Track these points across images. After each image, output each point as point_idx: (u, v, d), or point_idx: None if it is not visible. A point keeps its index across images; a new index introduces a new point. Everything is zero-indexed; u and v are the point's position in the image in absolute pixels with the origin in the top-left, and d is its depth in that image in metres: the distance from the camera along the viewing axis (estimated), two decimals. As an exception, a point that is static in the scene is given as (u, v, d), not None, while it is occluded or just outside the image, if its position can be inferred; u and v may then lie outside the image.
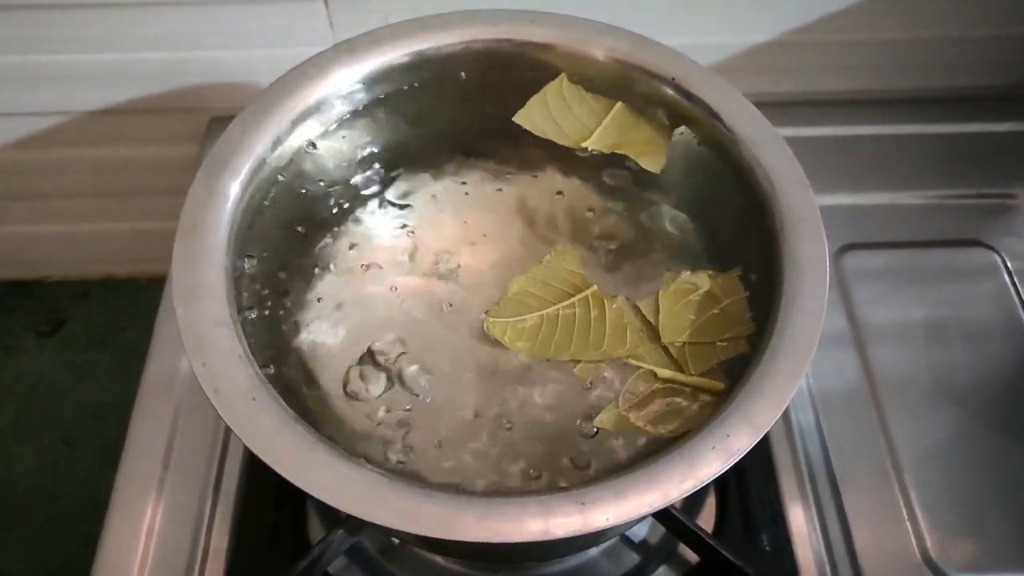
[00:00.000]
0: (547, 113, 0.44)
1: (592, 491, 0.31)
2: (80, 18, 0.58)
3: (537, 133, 0.44)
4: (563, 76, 0.45)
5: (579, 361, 0.37)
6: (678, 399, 0.36)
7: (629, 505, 0.30)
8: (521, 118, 0.44)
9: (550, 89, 0.45)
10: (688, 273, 0.40)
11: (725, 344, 0.38)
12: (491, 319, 0.38)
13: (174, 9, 0.58)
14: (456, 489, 0.33)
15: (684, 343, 0.38)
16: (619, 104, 0.45)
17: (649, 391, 0.37)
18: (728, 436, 0.32)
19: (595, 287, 0.39)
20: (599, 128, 0.44)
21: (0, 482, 0.76)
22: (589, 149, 0.44)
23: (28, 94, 0.63)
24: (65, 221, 0.76)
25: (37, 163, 0.69)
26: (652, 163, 0.43)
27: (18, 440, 0.78)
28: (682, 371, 0.37)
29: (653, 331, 0.38)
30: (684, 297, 0.39)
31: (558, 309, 0.38)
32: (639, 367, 0.37)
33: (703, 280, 0.40)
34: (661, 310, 0.39)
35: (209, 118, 0.65)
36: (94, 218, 0.76)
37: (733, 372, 0.37)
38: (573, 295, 0.39)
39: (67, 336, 0.83)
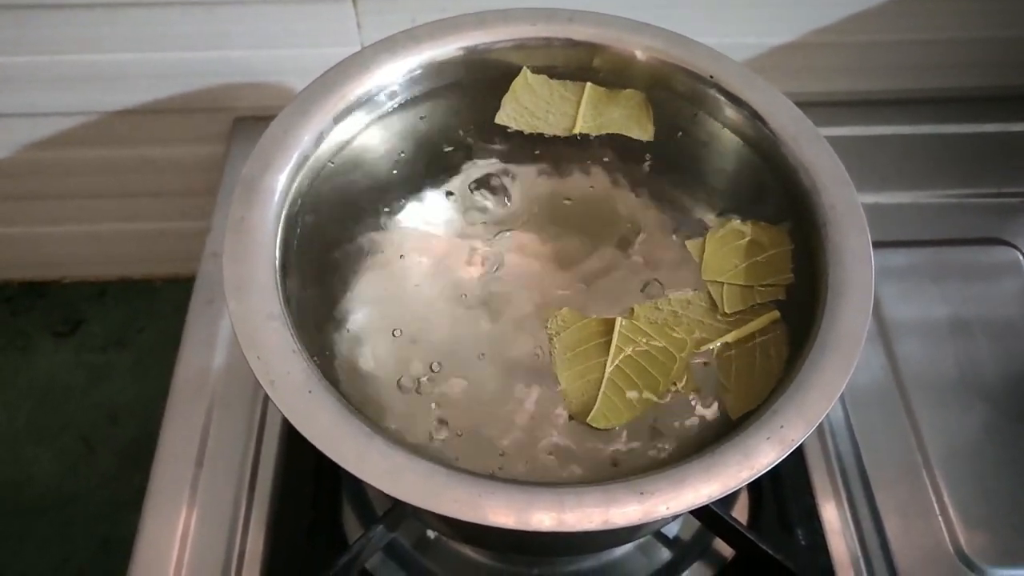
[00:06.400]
0: (523, 108, 0.45)
1: (651, 481, 0.31)
2: (104, 18, 0.58)
3: (524, 129, 0.44)
4: (525, 69, 0.45)
5: (676, 383, 0.37)
6: (757, 348, 0.37)
7: (688, 495, 0.31)
8: (502, 118, 0.44)
9: (517, 85, 0.45)
10: (738, 221, 0.41)
11: (763, 289, 0.39)
12: (589, 421, 0.36)
13: (201, 9, 0.58)
14: (514, 479, 0.33)
15: (724, 283, 0.39)
16: (588, 85, 0.45)
17: (736, 359, 0.37)
18: (782, 427, 0.32)
19: (618, 318, 0.38)
20: (579, 113, 0.45)
21: (17, 484, 0.76)
22: (578, 135, 0.44)
23: (52, 94, 0.63)
24: (83, 221, 0.76)
25: (58, 163, 0.69)
26: (642, 132, 0.44)
27: (34, 441, 0.78)
28: (725, 314, 0.38)
29: (694, 305, 0.39)
30: (731, 242, 0.40)
31: (615, 363, 0.37)
32: (712, 349, 0.38)
33: (751, 228, 0.41)
34: (706, 250, 0.40)
35: (233, 118, 0.65)
36: (112, 218, 0.76)
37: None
38: (609, 341, 0.38)
39: (84, 337, 0.82)
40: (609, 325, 0.38)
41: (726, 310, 0.38)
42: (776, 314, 0.38)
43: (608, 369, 0.37)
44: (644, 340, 0.38)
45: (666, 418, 0.36)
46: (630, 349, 0.37)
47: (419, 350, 0.38)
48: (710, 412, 0.36)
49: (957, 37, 0.62)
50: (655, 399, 0.36)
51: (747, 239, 0.40)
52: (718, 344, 0.38)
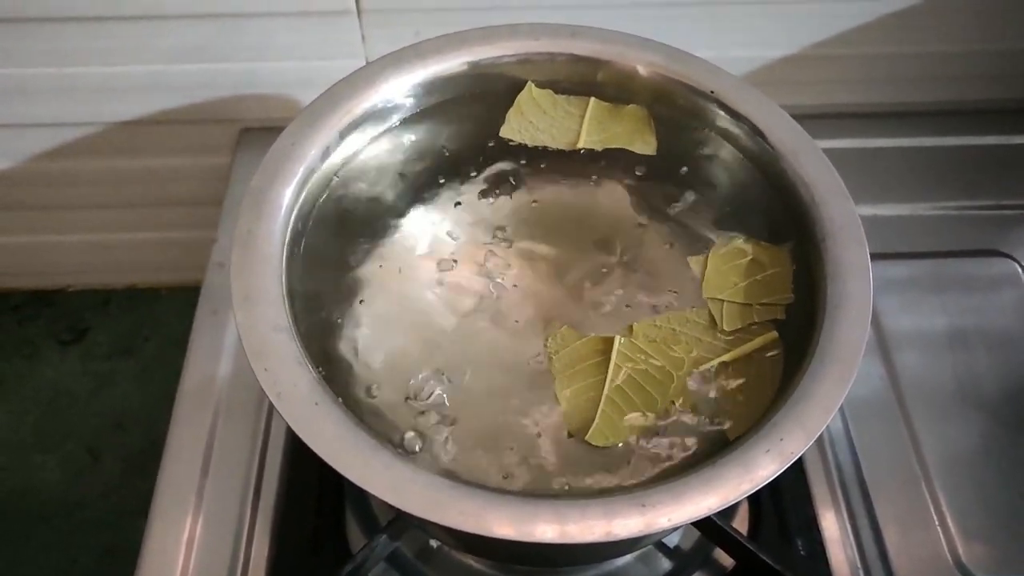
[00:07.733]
0: (528, 122, 0.45)
1: (652, 493, 0.31)
2: (112, 30, 0.59)
3: (528, 143, 0.45)
4: (530, 84, 0.46)
5: (673, 402, 0.37)
6: (754, 368, 0.38)
7: (689, 507, 0.31)
8: (506, 132, 0.45)
9: (522, 99, 0.46)
10: (741, 240, 0.41)
11: (762, 308, 0.39)
12: (588, 439, 0.36)
13: (207, 21, 0.59)
14: (517, 491, 0.34)
15: (723, 301, 0.39)
16: (592, 100, 0.46)
17: (732, 379, 0.38)
18: (782, 440, 0.33)
19: (616, 336, 0.39)
20: (583, 128, 0.45)
21: (22, 491, 0.76)
22: (582, 149, 0.45)
23: (59, 105, 0.64)
24: (89, 231, 0.77)
25: (65, 173, 0.70)
26: (645, 147, 0.45)
27: (40, 449, 0.78)
28: (724, 331, 0.39)
29: (693, 323, 0.39)
30: (732, 260, 0.41)
31: (614, 382, 0.37)
32: (710, 368, 0.38)
33: (753, 248, 0.41)
34: (708, 267, 0.40)
35: (239, 129, 0.66)
36: (118, 228, 0.77)
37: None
38: (607, 359, 0.38)
39: (89, 345, 0.83)
40: (608, 343, 0.38)
41: (725, 327, 0.39)
42: (775, 335, 0.38)
43: (607, 387, 0.37)
44: (642, 358, 0.38)
45: (664, 436, 0.36)
46: (629, 367, 0.38)
47: (424, 363, 0.38)
48: (708, 430, 0.37)
49: (956, 50, 0.63)
50: (653, 417, 0.37)
51: (748, 258, 0.41)
52: (716, 363, 0.38)
